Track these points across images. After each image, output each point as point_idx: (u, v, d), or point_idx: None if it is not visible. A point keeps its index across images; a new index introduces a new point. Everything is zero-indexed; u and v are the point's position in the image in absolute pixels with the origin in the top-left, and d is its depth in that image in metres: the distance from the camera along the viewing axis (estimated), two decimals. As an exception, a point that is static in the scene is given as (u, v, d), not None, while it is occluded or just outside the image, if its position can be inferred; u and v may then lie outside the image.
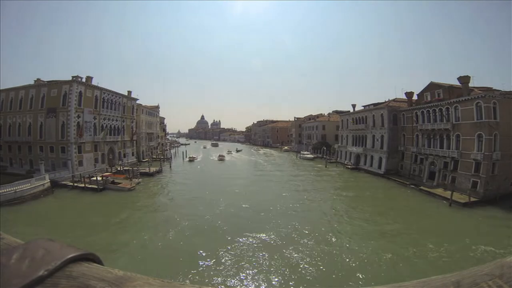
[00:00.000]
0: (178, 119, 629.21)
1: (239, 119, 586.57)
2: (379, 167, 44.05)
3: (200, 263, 14.30)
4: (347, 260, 14.79)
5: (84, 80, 40.28)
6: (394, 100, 46.32)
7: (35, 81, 41.40)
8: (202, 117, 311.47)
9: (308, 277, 13.10)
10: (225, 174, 44.46)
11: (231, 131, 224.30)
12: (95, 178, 31.80)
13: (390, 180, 38.77)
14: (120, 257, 14.88)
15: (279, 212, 23.52)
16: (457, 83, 32.12)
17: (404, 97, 43.31)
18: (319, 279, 13.03)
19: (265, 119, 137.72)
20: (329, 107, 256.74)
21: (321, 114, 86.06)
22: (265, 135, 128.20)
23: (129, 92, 53.62)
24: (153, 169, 43.96)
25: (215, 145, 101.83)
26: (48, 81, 40.74)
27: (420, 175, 36.79)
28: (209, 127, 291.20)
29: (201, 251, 15.59)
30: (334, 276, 13.29)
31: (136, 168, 41.71)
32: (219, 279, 12.97)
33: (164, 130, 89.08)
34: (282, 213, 23.11)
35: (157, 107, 73.43)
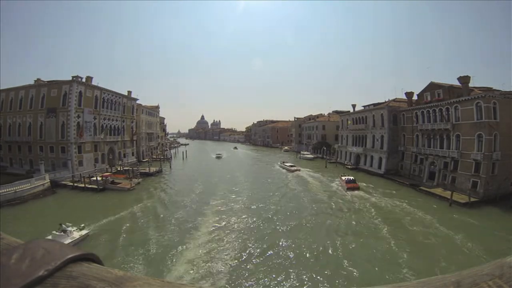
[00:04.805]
0: (178, 119, 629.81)
1: (239, 119, 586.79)
2: (379, 167, 44.04)
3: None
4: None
5: (84, 80, 40.30)
6: (394, 100, 46.33)
7: (35, 81, 41.43)
8: (202, 117, 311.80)
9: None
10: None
11: (231, 131, 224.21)
12: (95, 178, 31.82)
13: (390, 180, 38.76)
14: (119, 256, 14.90)
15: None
16: (457, 83, 32.12)
17: (404, 97, 43.30)
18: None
19: (265, 119, 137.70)
20: (329, 107, 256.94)
21: (321, 114, 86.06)
22: (265, 135, 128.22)
23: (129, 92, 53.65)
24: (153, 169, 44.00)
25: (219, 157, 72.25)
26: (48, 81, 40.80)
27: (420, 175, 36.77)
28: (209, 127, 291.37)
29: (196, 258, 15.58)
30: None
31: (136, 168, 41.73)
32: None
33: (164, 130, 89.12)
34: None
35: (157, 107, 73.47)
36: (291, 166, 49.38)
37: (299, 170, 46.71)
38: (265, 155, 79.97)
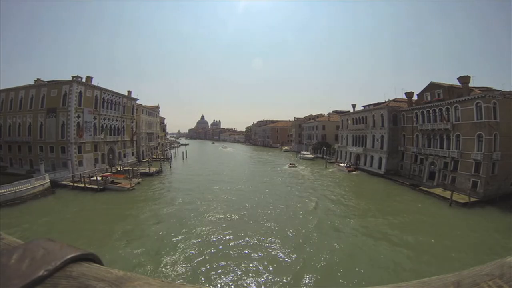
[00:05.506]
0: (178, 119, 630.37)
1: (239, 119, 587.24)
2: (379, 167, 44.02)
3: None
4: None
5: (84, 80, 40.27)
6: (394, 100, 46.31)
7: (35, 81, 41.38)
8: (202, 117, 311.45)
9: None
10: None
11: (231, 131, 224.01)
12: (95, 178, 31.81)
13: (390, 180, 38.73)
14: (119, 257, 14.90)
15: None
16: (457, 83, 32.12)
17: (404, 97, 43.30)
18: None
19: (265, 119, 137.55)
20: (329, 107, 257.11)
21: (321, 114, 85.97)
22: (265, 135, 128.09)
23: (129, 92, 53.60)
24: (153, 169, 43.97)
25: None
26: (48, 81, 40.74)
27: (420, 175, 36.75)
28: (209, 127, 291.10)
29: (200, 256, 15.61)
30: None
31: (136, 168, 41.69)
32: None
33: (164, 130, 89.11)
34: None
35: (157, 107, 73.41)
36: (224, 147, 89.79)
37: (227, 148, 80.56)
38: (261, 156, 79.86)
